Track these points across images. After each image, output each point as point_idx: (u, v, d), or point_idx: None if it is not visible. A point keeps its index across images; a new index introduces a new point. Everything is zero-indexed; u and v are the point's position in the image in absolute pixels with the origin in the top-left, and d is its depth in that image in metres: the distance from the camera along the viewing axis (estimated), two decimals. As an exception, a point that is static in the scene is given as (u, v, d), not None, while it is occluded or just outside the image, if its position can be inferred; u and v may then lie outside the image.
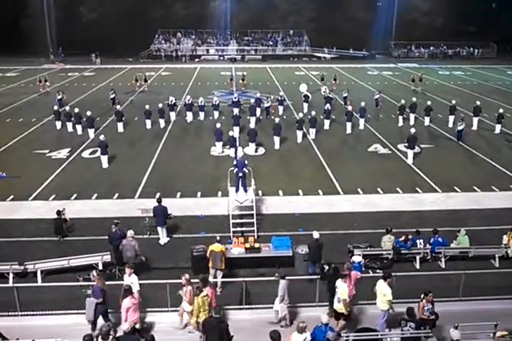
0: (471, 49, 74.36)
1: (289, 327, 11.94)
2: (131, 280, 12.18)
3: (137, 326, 11.41)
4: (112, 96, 36.53)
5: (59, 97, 36.58)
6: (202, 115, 33.19)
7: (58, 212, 16.74)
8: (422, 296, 11.69)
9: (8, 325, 11.90)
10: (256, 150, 26.03)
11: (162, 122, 31.31)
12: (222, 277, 13.99)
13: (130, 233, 14.58)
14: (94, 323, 11.78)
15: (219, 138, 25.69)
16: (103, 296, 11.67)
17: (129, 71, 56.57)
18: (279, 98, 35.49)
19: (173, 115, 32.92)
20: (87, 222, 17.95)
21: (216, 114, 33.42)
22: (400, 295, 12.69)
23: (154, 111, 30.93)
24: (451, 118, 30.83)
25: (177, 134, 29.88)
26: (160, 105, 31.40)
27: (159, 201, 16.67)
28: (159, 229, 16.60)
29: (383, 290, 11.68)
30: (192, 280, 12.07)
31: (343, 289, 11.67)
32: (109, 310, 12.03)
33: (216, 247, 13.83)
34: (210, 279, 13.83)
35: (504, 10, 68.03)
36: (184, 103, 33.93)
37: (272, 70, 58.69)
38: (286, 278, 12.16)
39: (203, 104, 32.89)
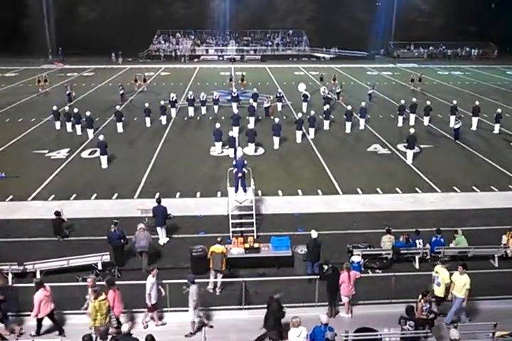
0: (470, 49, 74.33)
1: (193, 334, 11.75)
2: (153, 280, 12.14)
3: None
4: (121, 92, 38.20)
5: (67, 92, 38.13)
6: (203, 109, 34.69)
7: (57, 213, 16.72)
8: (421, 296, 11.71)
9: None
10: (255, 151, 26.00)
11: (164, 119, 31.88)
12: (222, 278, 13.97)
13: (141, 226, 14.94)
14: (1, 321, 11.91)
15: (218, 138, 25.68)
16: (4, 294, 11.77)
17: (128, 71, 56.56)
18: (277, 94, 36.25)
19: (173, 112, 33.71)
20: (87, 222, 17.94)
21: (216, 108, 34.73)
22: (399, 295, 12.73)
23: (154, 110, 31.35)
24: (452, 118, 30.75)
25: (176, 133, 29.91)
26: (162, 102, 32.02)
27: (159, 201, 16.67)
28: (159, 229, 16.60)
29: (465, 279, 12.03)
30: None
31: (444, 274, 12.22)
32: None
33: (217, 248, 13.80)
34: (211, 280, 13.85)
35: (503, 10, 68.05)
36: (186, 98, 35.29)
37: (272, 70, 58.69)
38: (196, 281, 12.03)
39: (204, 99, 34.55)
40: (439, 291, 12.44)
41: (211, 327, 12.09)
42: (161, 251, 16.13)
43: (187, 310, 12.57)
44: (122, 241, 15.12)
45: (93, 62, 62.91)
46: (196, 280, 12.06)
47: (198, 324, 10.91)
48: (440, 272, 12.41)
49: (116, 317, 11.64)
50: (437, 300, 12.47)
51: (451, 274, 12.35)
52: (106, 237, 15.21)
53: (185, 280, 12.03)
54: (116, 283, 12.11)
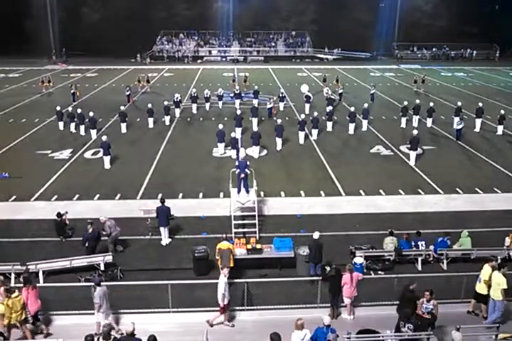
0: (474, 50, 74.12)
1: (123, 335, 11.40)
2: (225, 280, 12.16)
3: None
4: (127, 93, 38.58)
5: (72, 91, 38.66)
6: (207, 106, 36.43)
7: (59, 214, 16.72)
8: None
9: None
10: (259, 153, 25.80)
11: (167, 119, 32.03)
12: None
13: (102, 218, 15.60)
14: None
15: (221, 139, 25.69)
16: None
17: (131, 72, 56.66)
18: (280, 94, 36.67)
19: (177, 112, 34.03)
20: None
21: (220, 103, 36.79)
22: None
23: (157, 111, 31.59)
24: (456, 119, 30.59)
25: (179, 134, 29.95)
26: (165, 103, 32.27)
27: (162, 201, 16.68)
28: (162, 229, 16.60)
29: (498, 279, 11.98)
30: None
31: (485, 271, 12.35)
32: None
33: (223, 245, 13.90)
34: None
35: (507, 11, 67.85)
36: (190, 95, 36.63)
37: (275, 71, 58.70)
38: (103, 284, 11.96)
39: (208, 95, 36.41)
40: (478, 287, 12.54)
41: (119, 331, 11.63)
42: (164, 252, 16.14)
43: (189, 311, 12.63)
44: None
45: (116, 63, 63.26)
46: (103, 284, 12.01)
47: (104, 327, 10.38)
48: (483, 269, 12.52)
49: (31, 316, 11.61)
50: (477, 296, 12.60)
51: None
52: (82, 238, 15.21)
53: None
54: (115, 283, 12.12)
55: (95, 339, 10.08)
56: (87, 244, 15.09)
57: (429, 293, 11.59)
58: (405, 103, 32.34)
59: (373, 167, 24.18)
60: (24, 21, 65.84)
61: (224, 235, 14.37)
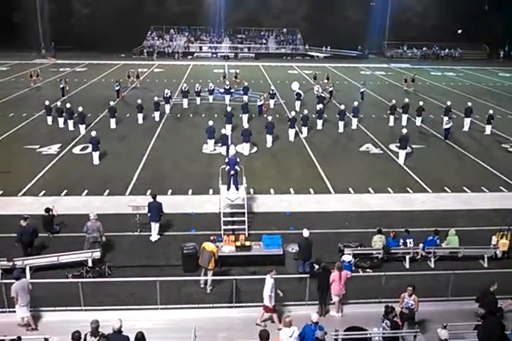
0: (463, 50, 74.55)
1: (36, 330, 11.57)
2: (272, 281, 12.09)
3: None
4: (117, 88, 38.28)
5: (61, 86, 38.37)
6: (198, 100, 36.65)
7: (47, 210, 16.58)
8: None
9: (-5, 321, 11.84)
10: (250, 150, 25.75)
11: (157, 115, 31.84)
12: (213, 275, 13.93)
13: (94, 215, 15.13)
14: None
15: (211, 135, 25.61)
16: None
17: (121, 67, 56.27)
18: (270, 91, 36.78)
19: (167, 108, 33.85)
20: (77, 218, 17.74)
21: (211, 98, 37.29)
22: (389, 294, 12.77)
23: (146, 106, 31.41)
24: (445, 118, 30.73)
25: (169, 130, 29.81)
26: (155, 98, 32.00)
27: (154, 197, 16.61)
28: (153, 224, 16.53)
29: None
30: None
31: None
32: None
33: (208, 246, 13.75)
34: (202, 277, 13.79)
35: (496, 11, 68.31)
36: (181, 90, 36.79)
37: (265, 68, 58.64)
38: (23, 278, 12.02)
39: (199, 89, 36.80)
40: None
41: (35, 329, 11.73)
42: (152, 249, 16.08)
43: (178, 308, 12.61)
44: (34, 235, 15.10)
45: (106, 58, 62.62)
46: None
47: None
48: None
49: None
50: None
51: None
52: (16, 234, 14.92)
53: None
54: (104, 280, 12.05)
55: (82, 335, 10.03)
56: (21, 239, 14.80)
57: (413, 288, 11.68)
58: (393, 101, 32.44)
59: (362, 165, 24.27)
60: (13, 14, 65.14)
61: (211, 237, 14.13)
